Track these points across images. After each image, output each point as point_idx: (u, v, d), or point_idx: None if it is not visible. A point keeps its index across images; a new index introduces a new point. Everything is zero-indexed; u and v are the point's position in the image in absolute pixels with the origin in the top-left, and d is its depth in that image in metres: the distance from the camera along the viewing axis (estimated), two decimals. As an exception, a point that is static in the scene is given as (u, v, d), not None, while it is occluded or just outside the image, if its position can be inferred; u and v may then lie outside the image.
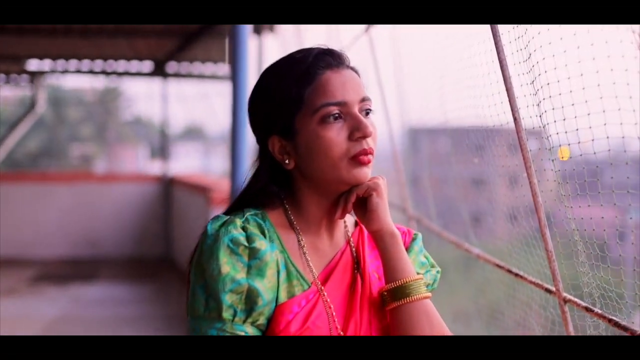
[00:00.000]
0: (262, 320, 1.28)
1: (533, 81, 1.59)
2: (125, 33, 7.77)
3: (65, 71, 9.45)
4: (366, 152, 1.30)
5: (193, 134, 28.32)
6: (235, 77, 3.67)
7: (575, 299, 1.73)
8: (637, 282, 1.54)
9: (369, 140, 1.31)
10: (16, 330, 5.89)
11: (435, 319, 1.33)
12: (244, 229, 1.31)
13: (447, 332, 1.34)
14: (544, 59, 1.51)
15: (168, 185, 9.28)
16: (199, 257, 1.31)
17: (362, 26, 3.24)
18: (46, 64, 9.52)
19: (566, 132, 1.59)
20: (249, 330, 1.26)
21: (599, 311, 1.62)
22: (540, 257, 1.93)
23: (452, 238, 2.68)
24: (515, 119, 1.66)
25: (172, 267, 8.75)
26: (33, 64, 9.55)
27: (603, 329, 1.67)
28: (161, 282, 8.03)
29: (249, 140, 3.73)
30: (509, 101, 1.67)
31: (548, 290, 1.85)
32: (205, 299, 1.27)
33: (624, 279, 1.64)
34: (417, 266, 1.46)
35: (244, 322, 1.26)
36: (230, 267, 1.26)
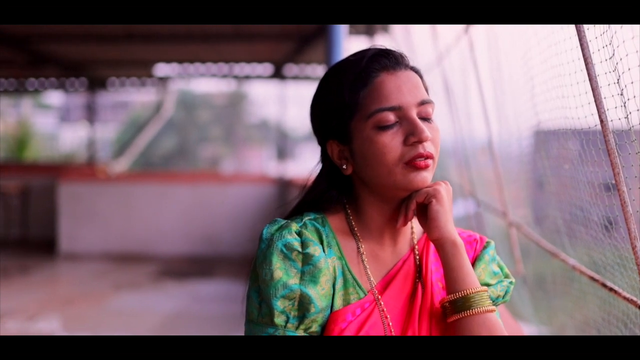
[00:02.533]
0: (315, 328, 1.25)
1: (618, 80, 1.46)
2: (244, 36, 7.97)
3: (190, 75, 9.81)
4: (422, 156, 1.24)
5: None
6: None
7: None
8: None
9: (426, 144, 1.25)
10: (137, 322, 6.18)
11: (498, 334, 1.24)
12: (299, 234, 1.28)
13: None
14: (627, 55, 1.39)
15: (285, 187, 9.41)
16: (254, 262, 1.30)
17: (462, 27, 3.15)
18: (173, 69, 9.93)
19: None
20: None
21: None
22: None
23: (549, 247, 2.53)
24: (601, 120, 1.53)
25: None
26: (161, 69, 9.99)
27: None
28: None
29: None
30: (595, 102, 1.54)
31: (641, 308, 1.70)
32: (259, 303, 1.26)
33: None
34: (487, 276, 1.38)
35: (297, 328, 1.24)
36: (283, 272, 1.24)
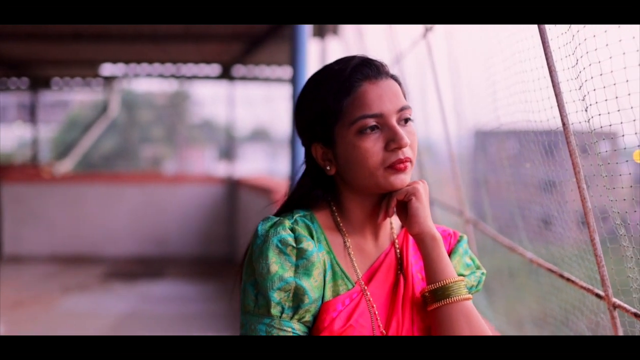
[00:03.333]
0: (308, 317, 1.33)
1: (580, 87, 1.60)
2: (193, 37, 7.97)
3: (137, 75, 9.73)
4: (401, 162, 1.34)
5: (259, 136, 28.72)
6: (295, 80, 3.73)
7: (625, 305, 1.73)
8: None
9: (405, 150, 1.35)
10: (88, 324, 6.14)
11: (474, 321, 1.35)
12: (292, 230, 1.36)
13: (487, 333, 1.36)
14: (590, 65, 1.53)
15: (233, 187, 9.45)
16: (250, 257, 1.38)
17: (420, 31, 3.28)
18: (119, 69, 9.83)
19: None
20: (296, 327, 1.32)
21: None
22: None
23: (506, 242, 2.68)
24: (564, 124, 1.67)
25: (236, 267, 8.88)
26: (107, 69, 9.87)
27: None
28: (225, 281, 8.20)
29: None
30: (558, 106, 1.68)
31: (598, 296, 1.85)
32: (255, 295, 1.34)
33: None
34: (461, 267, 1.49)
35: (291, 318, 1.32)
36: (278, 266, 1.32)
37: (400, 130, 1.35)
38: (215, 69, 9.71)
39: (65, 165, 10.50)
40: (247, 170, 9.83)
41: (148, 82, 22.04)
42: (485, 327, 1.37)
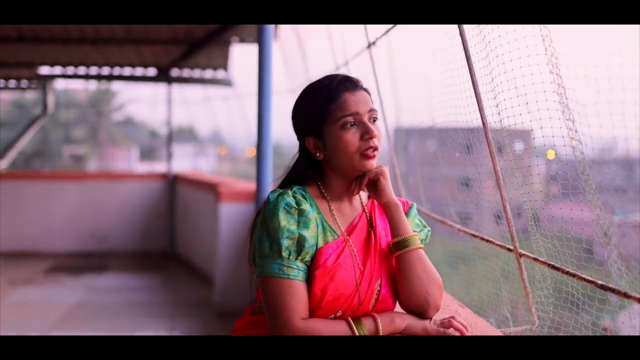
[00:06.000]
0: (308, 258, 1.88)
1: (495, 97, 2.19)
2: (134, 41, 8.25)
3: (74, 76, 9.87)
4: (372, 148, 1.92)
5: (183, 134, 28.75)
6: (261, 84, 4.11)
7: (528, 253, 2.36)
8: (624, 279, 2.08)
9: (374, 140, 1.93)
10: (41, 314, 6.38)
11: (427, 263, 1.94)
12: (294, 196, 1.92)
13: (436, 274, 1.94)
14: (508, 70, 2.09)
15: (172, 183, 9.78)
16: (264, 217, 1.91)
17: (363, 43, 3.83)
18: (55, 70, 9.91)
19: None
20: (300, 265, 1.86)
21: (543, 259, 2.25)
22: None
23: (438, 218, 3.29)
24: (483, 123, 2.26)
25: (176, 261, 9.24)
26: (43, 69, 9.94)
27: (548, 274, 2.29)
28: (167, 273, 8.50)
29: (272, 143, 4.23)
30: (478, 106, 2.26)
31: (509, 249, 2.47)
32: (270, 244, 1.88)
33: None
34: (413, 226, 2.08)
35: (296, 259, 1.87)
36: (286, 222, 1.86)
37: (371, 125, 1.92)
38: (151, 71, 9.93)
39: (2, 164, 10.54)
40: (175, 168, 10.09)
41: (74, 81, 21.69)
42: (433, 267, 1.94)
